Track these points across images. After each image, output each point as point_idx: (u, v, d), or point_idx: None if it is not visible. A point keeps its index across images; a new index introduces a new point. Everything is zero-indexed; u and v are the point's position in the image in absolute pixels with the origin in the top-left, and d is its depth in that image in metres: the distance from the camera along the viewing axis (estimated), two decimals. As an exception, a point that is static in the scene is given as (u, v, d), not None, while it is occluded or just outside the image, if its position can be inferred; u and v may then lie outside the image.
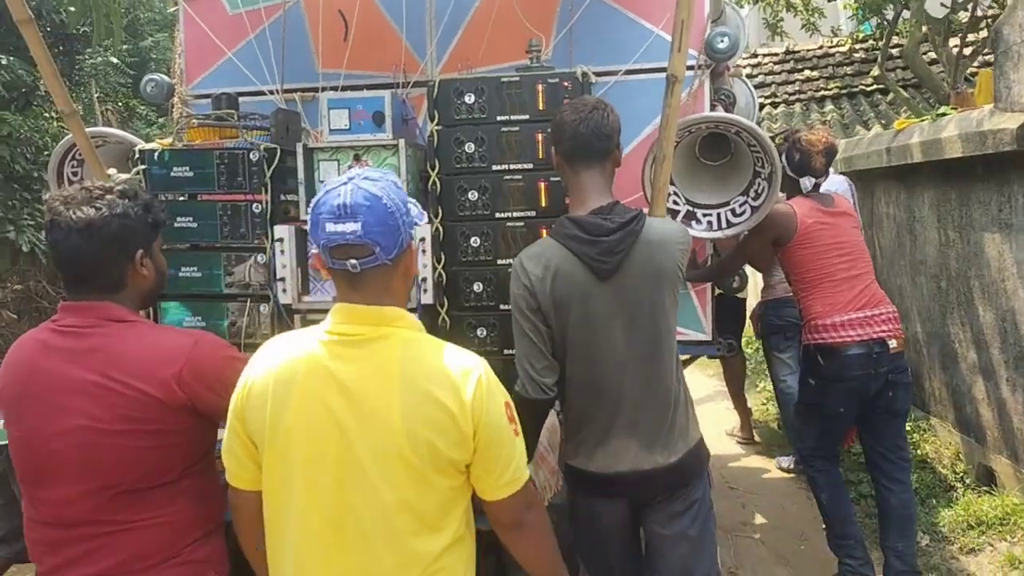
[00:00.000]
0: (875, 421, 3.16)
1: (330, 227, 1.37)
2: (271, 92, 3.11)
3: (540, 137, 2.56)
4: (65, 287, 1.76)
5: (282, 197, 2.73)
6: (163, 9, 11.81)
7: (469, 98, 2.58)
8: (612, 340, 1.92)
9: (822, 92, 8.95)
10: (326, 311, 2.64)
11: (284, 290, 2.61)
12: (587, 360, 1.94)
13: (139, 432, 1.64)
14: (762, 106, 8.65)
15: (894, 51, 8.79)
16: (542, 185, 2.57)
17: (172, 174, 2.67)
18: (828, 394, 3.11)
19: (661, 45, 2.91)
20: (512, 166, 2.58)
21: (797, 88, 9.16)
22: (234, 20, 3.25)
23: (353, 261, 1.38)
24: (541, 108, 2.56)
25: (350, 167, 2.64)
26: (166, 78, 3.35)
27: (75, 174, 3.13)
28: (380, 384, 1.39)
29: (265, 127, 2.74)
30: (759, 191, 2.84)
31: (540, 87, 2.55)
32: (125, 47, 10.35)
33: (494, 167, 2.59)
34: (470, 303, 2.61)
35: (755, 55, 10.02)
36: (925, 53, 7.80)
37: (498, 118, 2.58)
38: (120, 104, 9.44)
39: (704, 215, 2.91)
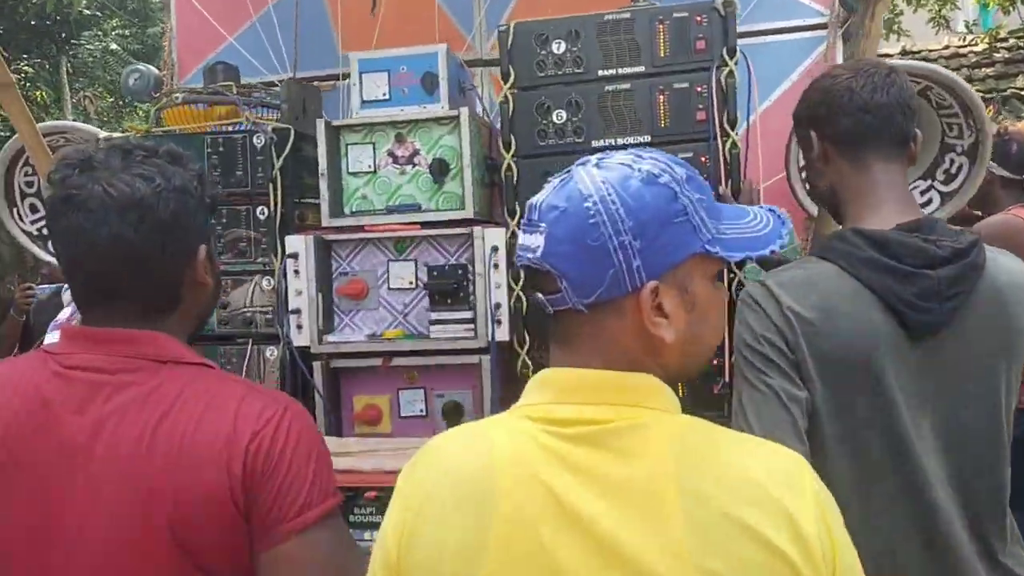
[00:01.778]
0: None
1: (520, 237, 0.96)
2: (283, 82, 2.69)
3: (662, 98, 1.92)
4: (84, 305, 1.16)
5: (297, 199, 2.14)
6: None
7: (557, 46, 1.96)
8: (920, 438, 1.25)
9: (960, 96, 8.12)
10: (358, 355, 2.20)
11: (299, 326, 1.99)
12: (881, 465, 1.26)
13: (191, 557, 1.06)
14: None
15: None
16: (666, 166, 1.91)
17: (148, 169, 2.11)
18: None
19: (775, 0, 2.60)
20: (621, 140, 1.94)
21: (927, 93, 8.35)
22: (234, 1, 3.00)
23: (540, 295, 0.93)
24: (663, 55, 1.93)
25: (390, 153, 2.04)
26: (153, 69, 2.91)
27: (30, 185, 2.64)
28: (651, 513, 0.83)
29: (275, 104, 2.17)
30: (953, 171, 2.25)
31: (661, 26, 1.92)
32: (128, 33, 10.17)
33: (595, 143, 1.96)
34: (564, 340, 1.94)
35: (865, 58, 9.30)
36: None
37: (600, 73, 1.97)
38: (111, 99, 9.16)
39: None
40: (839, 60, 2.51)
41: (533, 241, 0.90)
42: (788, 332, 1.24)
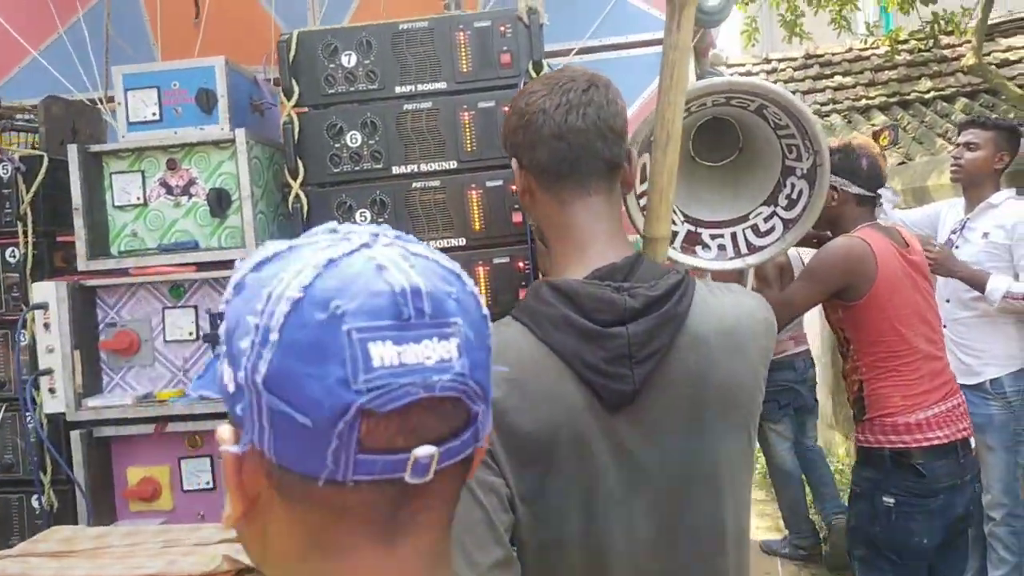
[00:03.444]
0: (950, 552, 2.56)
1: (390, 351, 0.54)
2: (94, 101, 2.54)
3: (467, 119, 1.78)
4: None
5: (59, 238, 1.93)
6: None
7: (348, 59, 1.81)
8: (630, 533, 1.08)
9: (864, 101, 8.29)
10: (127, 422, 1.97)
11: (52, 389, 1.77)
12: (583, 568, 1.09)
13: None
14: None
15: (947, 50, 8.24)
16: (473, 195, 1.79)
17: None
18: (915, 519, 2.49)
19: (625, 12, 2.52)
20: (424, 167, 1.80)
21: (830, 97, 8.51)
22: (39, 8, 2.77)
23: (430, 449, 0.56)
24: (465, 71, 1.81)
25: (162, 183, 1.85)
26: None
27: None
28: None
29: (33, 127, 1.95)
30: (794, 196, 2.16)
31: (462, 36, 1.79)
32: None
33: (395, 169, 1.82)
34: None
35: (768, 60, 9.49)
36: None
37: (397, 90, 1.82)
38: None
39: (713, 236, 2.24)
40: (691, 77, 2.43)
41: (440, 351, 0.56)
42: None
